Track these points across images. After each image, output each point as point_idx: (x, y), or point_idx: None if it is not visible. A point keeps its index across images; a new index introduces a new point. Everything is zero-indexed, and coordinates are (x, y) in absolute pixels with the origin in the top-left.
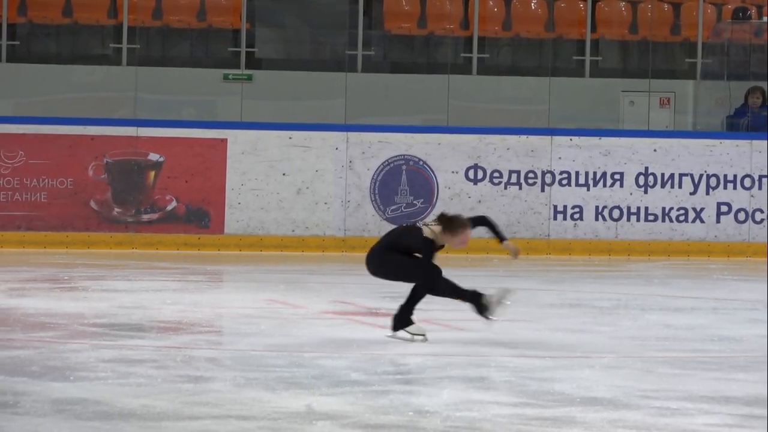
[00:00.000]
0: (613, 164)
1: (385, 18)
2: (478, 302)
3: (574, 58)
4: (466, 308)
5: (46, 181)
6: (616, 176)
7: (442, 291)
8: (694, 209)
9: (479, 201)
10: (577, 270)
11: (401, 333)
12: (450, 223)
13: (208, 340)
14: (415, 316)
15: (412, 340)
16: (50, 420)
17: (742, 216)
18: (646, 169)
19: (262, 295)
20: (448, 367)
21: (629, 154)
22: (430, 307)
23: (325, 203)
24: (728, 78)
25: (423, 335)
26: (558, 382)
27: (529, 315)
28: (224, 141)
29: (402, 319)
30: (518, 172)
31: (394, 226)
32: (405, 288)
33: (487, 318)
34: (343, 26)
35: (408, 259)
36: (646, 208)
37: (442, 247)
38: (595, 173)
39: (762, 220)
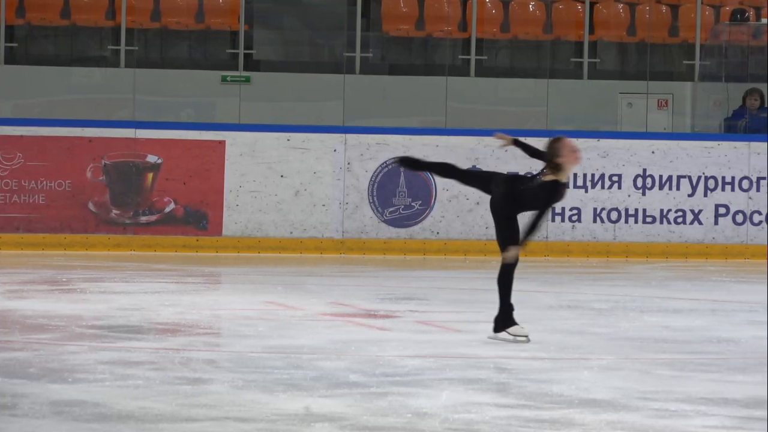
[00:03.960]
0: (611, 166)
1: (383, 20)
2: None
3: (572, 59)
4: (463, 309)
5: (45, 183)
6: (614, 178)
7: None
8: (692, 211)
9: (477, 203)
10: (576, 272)
11: (502, 334)
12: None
13: (207, 341)
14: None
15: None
16: (48, 422)
17: (740, 218)
18: (644, 170)
19: (260, 297)
20: (446, 368)
21: (627, 155)
22: (428, 308)
23: (323, 205)
24: (726, 80)
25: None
26: (556, 383)
27: (527, 316)
28: (222, 143)
29: (503, 320)
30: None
31: (392, 229)
32: (404, 289)
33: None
34: (341, 28)
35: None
36: (644, 210)
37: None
38: (593, 175)
39: (760, 221)
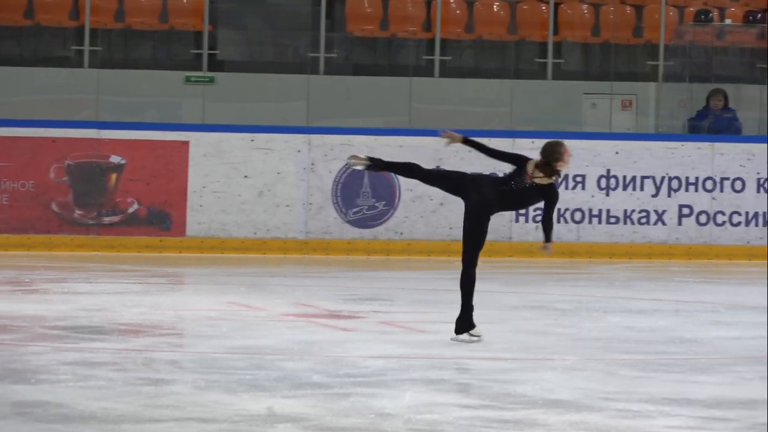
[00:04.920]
0: (574, 166)
1: (347, 20)
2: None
3: (537, 60)
4: (427, 310)
5: (8, 183)
6: (578, 178)
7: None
8: (656, 211)
9: (441, 203)
10: (539, 272)
11: (463, 336)
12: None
13: (169, 342)
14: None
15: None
16: (11, 422)
17: (703, 218)
18: (608, 171)
19: (223, 298)
20: (409, 369)
21: (591, 156)
22: (391, 309)
23: (287, 205)
24: (690, 80)
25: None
26: (520, 384)
27: (491, 317)
28: (186, 143)
29: (465, 322)
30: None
31: (355, 229)
32: (367, 290)
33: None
34: (305, 28)
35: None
36: (608, 211)
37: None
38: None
39: (724, 222)
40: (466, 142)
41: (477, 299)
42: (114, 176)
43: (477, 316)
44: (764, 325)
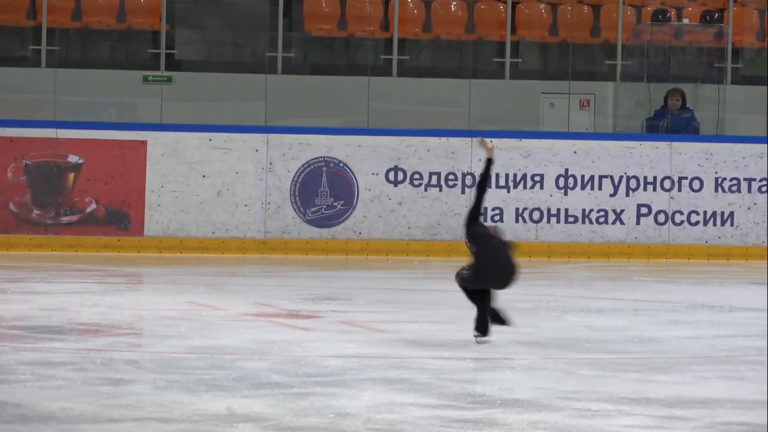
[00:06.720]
0: (533, 166)
1: (305, 19)
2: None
3: (494, 59)
4: (386, 309)
5: None
6: (537, 178)
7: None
8: (614, 211)
9: (399, 203)
10: None
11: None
12: None
13: (128, 342)
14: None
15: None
16: None
17: (661, 218)
18: (566, 170)
19: (182, 297)
20: (368, 369)
21: (549, 155)
22: (350, 308)
23: (246, 205)
24: (648, 80)
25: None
26: (479, 383)
27: (449, 316)
28: (144, 143)
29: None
30: (438, 174)
31: (314, 229)
32: (326, 289)
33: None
34: (263, 28)
35: None
36: (566, 210)
37: None
38: (515, 175)
39: (682, 221)
40: (489, 163)
41: (436, 298)
42: (72, 176)
43: (436, 315)
44: (722, 325)
